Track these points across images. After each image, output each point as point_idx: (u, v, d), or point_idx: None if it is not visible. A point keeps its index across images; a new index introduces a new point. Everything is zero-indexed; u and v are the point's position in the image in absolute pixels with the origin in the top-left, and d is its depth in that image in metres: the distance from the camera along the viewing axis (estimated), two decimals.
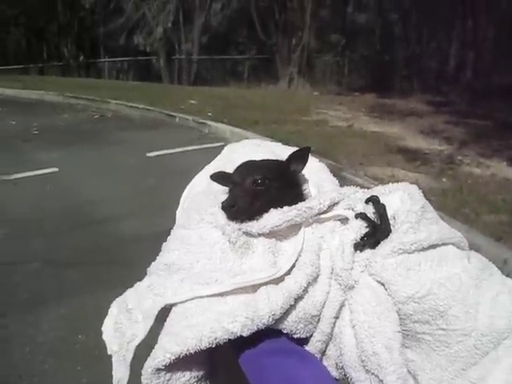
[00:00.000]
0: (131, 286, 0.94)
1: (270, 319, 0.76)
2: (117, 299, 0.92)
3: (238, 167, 0.94)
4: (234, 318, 0.74)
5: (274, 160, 0.98)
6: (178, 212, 1.06)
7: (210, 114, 10.81)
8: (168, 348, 0.75)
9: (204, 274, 0.80)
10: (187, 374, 0.81)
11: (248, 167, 0.93)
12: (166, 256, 0.87)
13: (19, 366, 3.11)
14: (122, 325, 0.86)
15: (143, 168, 7.36)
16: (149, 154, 8.01)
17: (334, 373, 0.84)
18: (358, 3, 22.06)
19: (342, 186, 1.00)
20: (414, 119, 11.24)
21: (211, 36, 24.10)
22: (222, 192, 0.93)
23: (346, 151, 7.90)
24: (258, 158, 0.98)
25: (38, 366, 3.09)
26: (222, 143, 8.52)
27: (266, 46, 21.85)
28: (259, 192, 0.87)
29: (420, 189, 0.90)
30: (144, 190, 6.25)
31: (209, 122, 10.18)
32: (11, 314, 3.61)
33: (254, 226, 0.84)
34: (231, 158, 1.07)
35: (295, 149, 1.04)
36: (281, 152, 1.05)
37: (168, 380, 0.79)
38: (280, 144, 1.15)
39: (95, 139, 9.07)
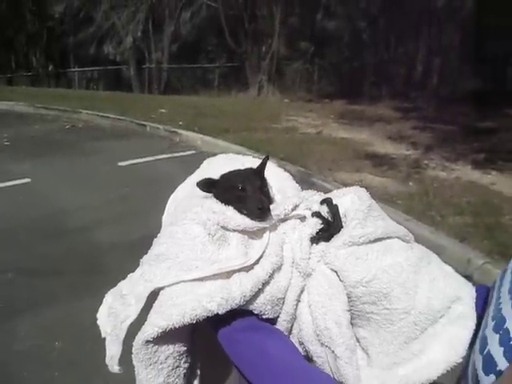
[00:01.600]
0: (106, 292, 1.05)
1: (242, 300, 0.89)
2: (111, 290, 1.04)
3: (234, 175, 1.08)
4: (212, 299, 0.87)
5: (254, 169, 1.12)
6: (163, 217, 1.20)
7: (180, 123, 10.87)
8: (156, 323, 0.88)
9: (187, 262, 0.93)
10: (171, 348, 0.94)
11: (248, 175, 1.07)
12: (156, 248, 1.00)
13: None
14: (115, 309, 0.98)
15: (115, 177, 7.39)
16: (121, 163, 8.06)
17: (299, 349, 0.98)
18: (326, 11, 22.24)
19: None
20: (382, 125, 11.46)
21: (181, 45, 24.10)
22: (203, 196, 1.06)
23: (315, 157, 8.06)
24: (231, 169, 1.12)
25: (16, 373, 3.12)
26: (193, 151, 8.63)
27: (235, 54, 21.92)
28: (267, 195, 1.04)
29: (368, 191, 1.06)
30: (117, 199, 6.28)
31: (180, 131, 10.27)
32: None
33: (230, 222, 0.96)
34: (209, 170, 1.22)
35: (259, 160, 1.18)
36: (248, 164, 1.19)
37: (155, 352, 0.92)
38: (249, 157, 1.29)
39: (67, 149, 9.06)
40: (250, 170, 1.11)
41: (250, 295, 0.90)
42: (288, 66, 21.22)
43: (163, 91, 21.96)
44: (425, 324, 0.91)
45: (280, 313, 0.97)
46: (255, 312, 0.94)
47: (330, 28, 22.38)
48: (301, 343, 0.96)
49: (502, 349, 0.72)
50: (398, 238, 1.00)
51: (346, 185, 1.08)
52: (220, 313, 0.87)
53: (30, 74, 24.53)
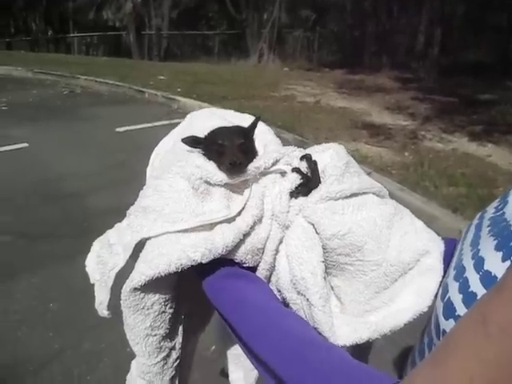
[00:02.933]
0: None
1: (224, 250, 0.93)
2: (98, 238, 1.10)
3: (217, 132, 1.09)
4: (196, 249, 0.92)
5: (241, 126, 1.14)
6: (148, 169, 1.24)
7: (179, 90, 10.87)
8: (143, 271, 0.92)
9: (172, 215, 0.97)
10: (157, 295, 0.99)
11: (230, 132, 1.08)
12: (143, 200, 1.03)
13: None
14: (103, 257, 1.04)
15: (113, 143, 7.42)
16: (118, 130, 8.09)
17: (276, 296, 1.03)
18: None
19: None
20: (381, 95, 11.45)
21: (181, 11, 23.90)
22: (187, 151, 1.09)
23: (312, 126, 8.09)
24: (214, 124, 1.14)
25: (11, 333, 3.18)
26: None
27: (236, 21, 21.75)
28: (246, 151, 1.04)
29: (346, 149, 1.10)
30: (113, 165, 6.32)
31: (178, 98, 10.27)
32: None
33: (212, 178, 1.00)
34: (192, 124, 1.25)
35: (243, 115, 1.24)
36: (231, 118, 1.22)
37: (142, 298, 0.97)
38: (231, 111, 1.32)
39: (65, 115, 9.08)
40: (236, 127, 1.12)
41: (231, 245, 0.94)
42: (289, 33, 21.09)
43: (163, 58, 21.85)
44: (395, 275, 0.96)
45: (260, 262, 1.02)
46: (237, 261, 0.99)
47: None
48: (278, 291, 1.01)
49: (461, 296, 0.77)
50: (372, 193, 1.04)
51: None
52: (204, 262, 0.92)
53: (28, 38, 24.40)
